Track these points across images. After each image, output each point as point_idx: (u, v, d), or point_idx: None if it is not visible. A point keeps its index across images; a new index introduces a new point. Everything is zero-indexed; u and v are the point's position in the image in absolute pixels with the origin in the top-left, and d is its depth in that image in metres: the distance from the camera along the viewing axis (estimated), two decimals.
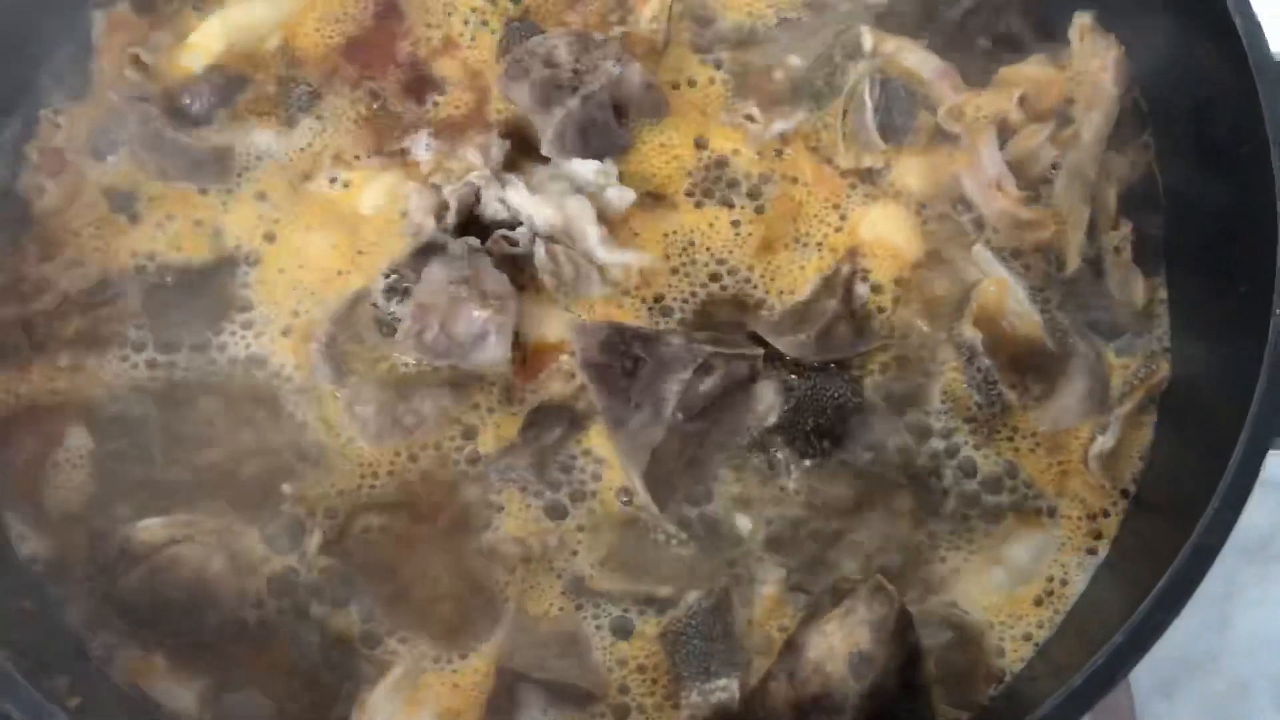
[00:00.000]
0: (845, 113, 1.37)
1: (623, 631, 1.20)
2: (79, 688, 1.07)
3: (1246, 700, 1.60)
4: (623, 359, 1.25)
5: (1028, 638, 1.20)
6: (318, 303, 1.31)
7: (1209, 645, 1.63)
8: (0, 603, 1.14)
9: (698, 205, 1.37)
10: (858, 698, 1.12)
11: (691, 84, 1.44)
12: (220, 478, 1.24)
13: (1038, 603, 1.22)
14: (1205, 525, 1.06)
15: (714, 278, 1.34)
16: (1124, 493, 1.27)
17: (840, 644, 1.14)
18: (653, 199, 1.38)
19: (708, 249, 1.35)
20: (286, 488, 1.23)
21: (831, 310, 1.29)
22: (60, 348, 1.30)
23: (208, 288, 1.33)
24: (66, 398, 1.28)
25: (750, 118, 1.40)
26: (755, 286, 1.34)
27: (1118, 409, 1.27)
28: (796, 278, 1.34)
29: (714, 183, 1.39)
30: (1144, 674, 1.58)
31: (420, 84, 1.43)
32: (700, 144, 1.40)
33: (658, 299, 1.33)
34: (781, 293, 1.34)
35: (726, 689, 1.16)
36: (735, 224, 1.36)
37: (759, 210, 1.37)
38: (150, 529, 1.20)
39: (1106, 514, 1.26)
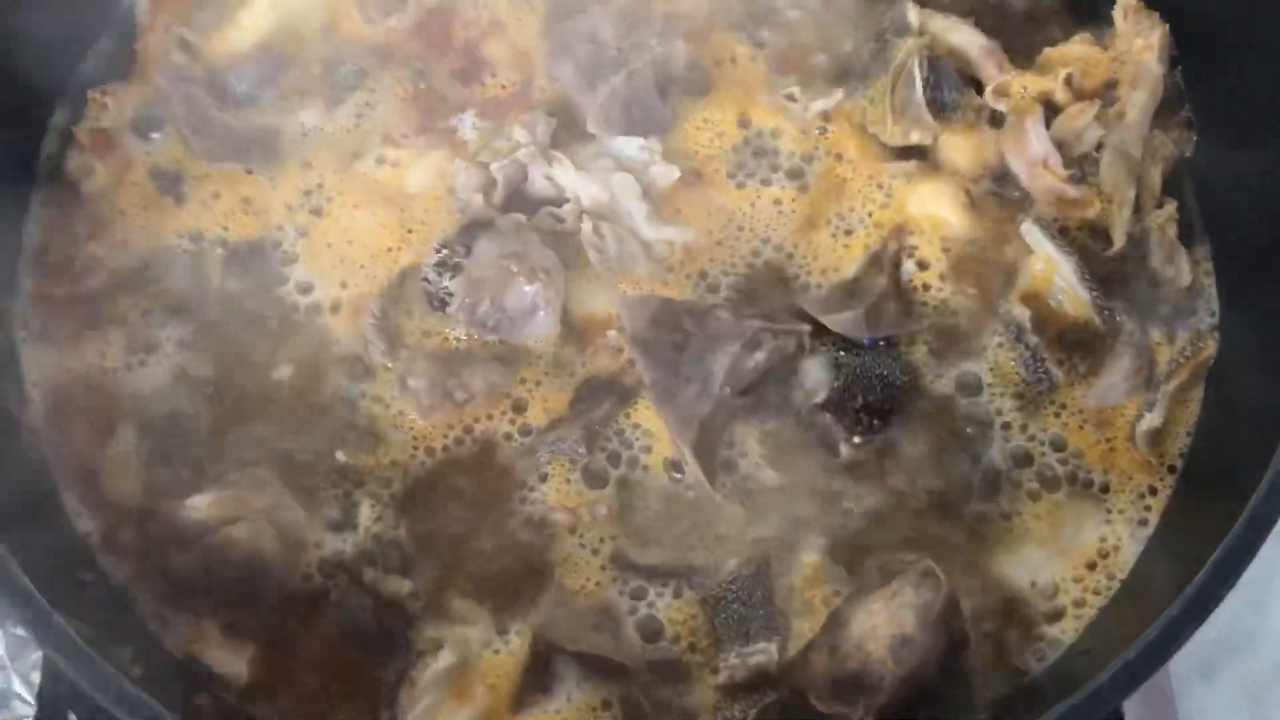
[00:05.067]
0: (894, 88, 1.37)
1: (665, 596, 1.20)
2: (140, 656, 1.08)
3: None
4: (672, 333, 1.26)
5: (1079, 606, 1.21)
6: (367, 278, 1.32)
7: (1247, 627, 1.62)
8: (62, 576, 1.15)
9: (740, 184, 1.38)
10: (895, 680, 1.12)
11: (733, 61, 1.45)
12: (272, 452, 1.26)
13: (1090, 572, 1.22)
14: (1262, 495, 1.06)
15: (757, 254, 1.34)
16: (1171, 469, 1.27)
17: (884, 625, 1.14)
18: (695, 175, 1.38)
19: (751, 227, 1.36)
20: (340, 456, 1.24)
21: (879, 287, 1.29)
22: (110, 327, 1.31)
23: (254, 265, 1.34)
24: (119, 381, 1.29)
25: (791, 97, 1.40)
26: (800, 264, 1.34)
27: (1164, 386, 1.27)
28: (841, 255, 1.34)
29: (757, 160, 1.39)
30: (1182, 656, 1.56)
31: (471, 67, 1.43)
32: (743, 121, 1.41)
33: (702, 275, 1.33)
34: (825, 270, 1.34)
35: (765, 651, 1.16)
36: (778, 202, 1.37)
37: (802, 188, 1.37)
38: (199, 509, 1.20)
39: (1154, 491, 1.26)
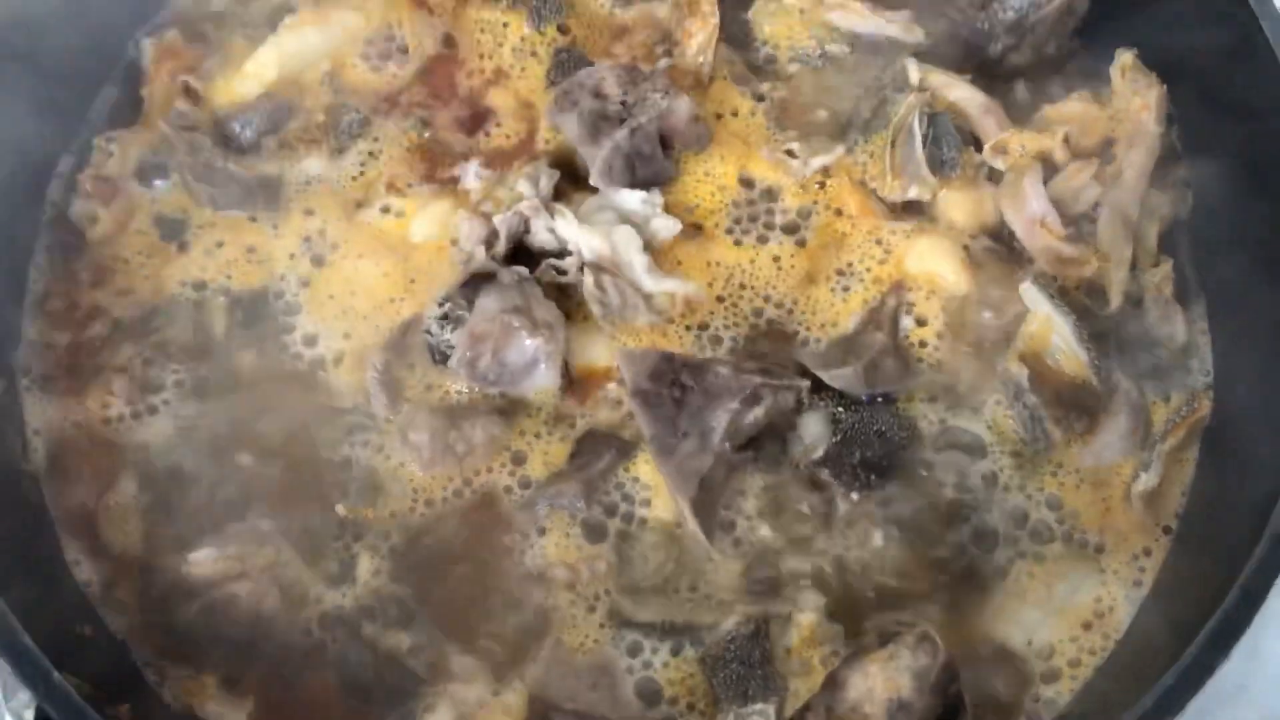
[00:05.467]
0: (893, 144, 1.38)
1: (662, 654, 1.21)
2: (138, 712, 1.09)
3: None
4: (671, 388, 1.26)
5: (1075, 666, 1.21)
6: (370, 328, 1.33)
7: (1239, 676, 1.62)
8: (62, 628, 1.15)
9: (739, 238, 1.39)
10: None
11: (734, 114, 1.46)
12: (272, 504, 1.26)
13: (1085, 632, 1.23)
14: (1253, 568, 1.07)
15: (758, 312, 1.35)
16: (1166, 529, 1.27)
17: (880, 688, 1.14)
18: (696, 228, 1.39)
19: (751, 280, 1.37)
20: (340, 509, 1.25)
21: (878, 344, 1.30)
22: (113, 375, 1.31)
23: (258, 315, 1.35)
24: (121, 430, 1.29)
25: (791, 153, 1.41)
26: (799, 319, 1.35)
27: (1160, 446, 1.28)
28: (840, 310, 1.35)
29: (757, 213, 1.40)
30: None
31: (475, 116, 1.45)
32: (744, 175, 1.42)
33: (703, 327, 1.34)
34: (824, 325, 1.35)
35: (763, 713, 1.17)
36: (776, 258, 1.38)
37: (801, 243, 1.38)
38: (201, 564, 1.20)
39: (1149, 552, 1.26)
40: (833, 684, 1.16)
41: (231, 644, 1.19)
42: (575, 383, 1.31)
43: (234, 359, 1.33)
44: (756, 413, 1.26)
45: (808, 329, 1.35)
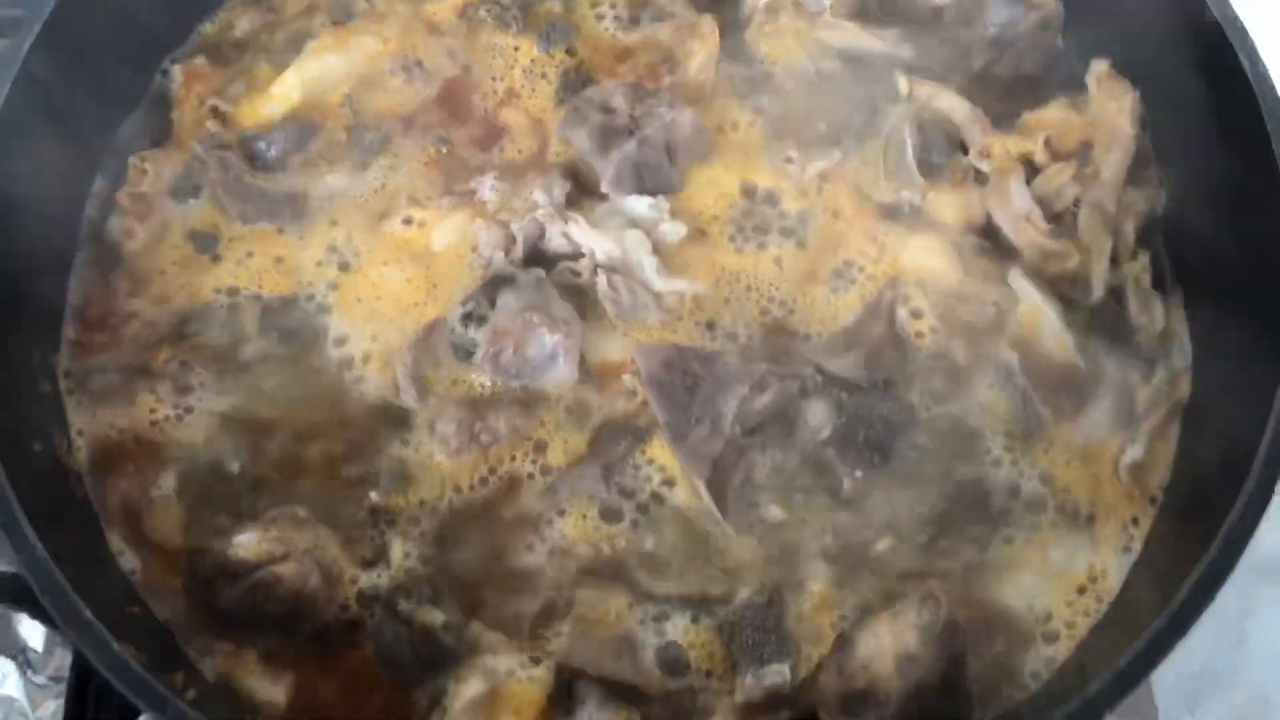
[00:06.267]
0: (886, 151, 1.47)
1: (681, 624, 1.27)
2: (191, 681, 1.14)
3: (1267, 712, 1.66)
4: (683, 376, 1.34)
5: (1071, 627, 1.28)
6: (395, 330, 1.40)
7: (1229, 660, 1.69)
8: (111, 607, 1.20)
9: (743, 241, 1.47)
10: (901, 694, 1.20)
11: (734, 127, 1.54)
12: (308, 494, 1.32)
13: (1080, 596, 1.30)
14: (1235, 518, 1.15)
15: (763, 310, 1.43)
16: (1152, 500, 1.35)
17: (889, 645, 1.21)
18: (701, 233, 1.47)
19: (754, 281, 1.44)
20: (374, 496, 1.31)
21: (877, 334, 1.38)
22: (154, 378, 1.38)
23: (289, 319, 1.42)
24: (161, 428, 1.36)
25: (789, 159, 1.50)
26: (801, 315, 1.43)
27: (1143, 424, 1.36)
28: (839, 306, 1.43)
29: (758, 217, 1.48)
30: (1168, 688, 1.64)
31: (490, 133, 1.53)
32: (745, 182, 1.50)
33: (710, 324, 1.42)
34: (824, 319, 1.42)
35: (779, 673, 1.23)
36: (778, 259, 1.46)
37: (800, 244, 1.46)
38: (246, 545, 1.26)
39: (1137, 521, 1.34)
40: (844, 644, 1.23)
41: (273, 622, 1.24)
42: (592, 376, 1.38)
43: (266, 359, 1.39)
44: (764, 399, 1.34)
45: (809, 325, 1.42)
